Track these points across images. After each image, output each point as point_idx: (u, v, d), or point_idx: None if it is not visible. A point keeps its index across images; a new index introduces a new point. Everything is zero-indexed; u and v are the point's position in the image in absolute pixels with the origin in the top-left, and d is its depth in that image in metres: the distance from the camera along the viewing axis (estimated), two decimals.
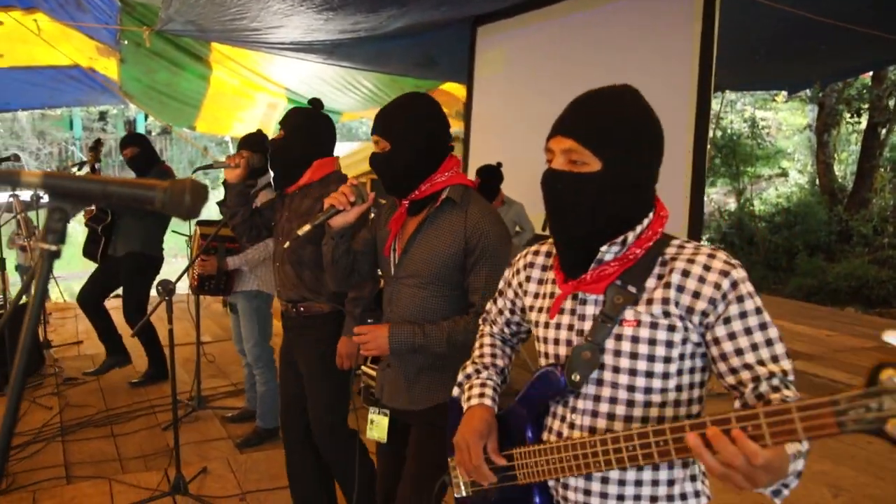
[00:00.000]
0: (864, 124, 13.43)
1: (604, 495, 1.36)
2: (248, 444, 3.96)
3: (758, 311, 1.26)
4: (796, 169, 16.44)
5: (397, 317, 2.12)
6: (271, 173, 3.57)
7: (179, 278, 3.21)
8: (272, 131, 10.50)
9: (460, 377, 1.65)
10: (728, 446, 1.04)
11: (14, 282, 9.94)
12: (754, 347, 1.24)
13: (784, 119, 17.56)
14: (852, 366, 5.55)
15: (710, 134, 13.92)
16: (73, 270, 12.02)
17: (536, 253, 1.57)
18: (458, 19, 7.04)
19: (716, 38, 4.61)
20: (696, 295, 1.27)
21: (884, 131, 13.21)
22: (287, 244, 2.25)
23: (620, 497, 1.35)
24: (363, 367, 4.51)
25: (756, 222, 14.12)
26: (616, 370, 1.33)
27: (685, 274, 1.28)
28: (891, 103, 12.60)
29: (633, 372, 1.32)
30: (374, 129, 2.08)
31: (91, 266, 4.98)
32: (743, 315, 1.25)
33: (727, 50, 4.94)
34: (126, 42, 7.49)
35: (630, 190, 1.34)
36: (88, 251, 4.89)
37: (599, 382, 1.35)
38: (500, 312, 1.67)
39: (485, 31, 7.22)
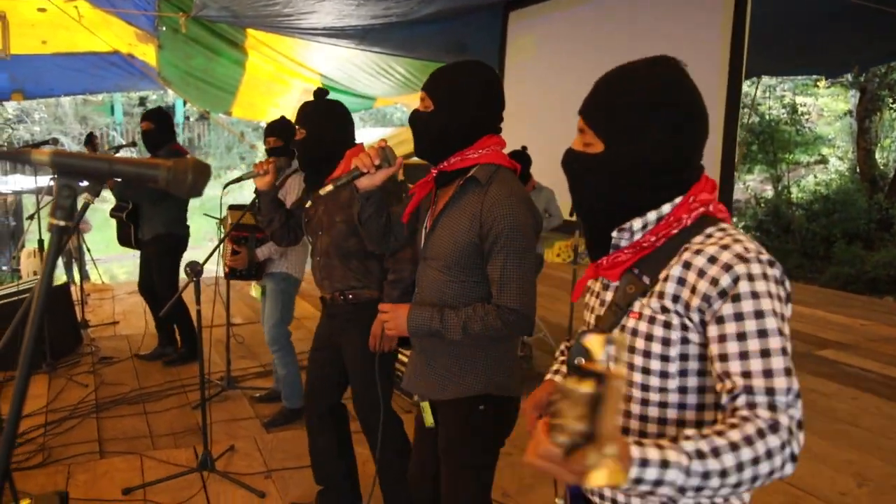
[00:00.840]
0: None
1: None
2: (274, 424, 4.04)
3: (758, 314, 1.10)
4: (836, 156, 16.10)
5: (421, 299, 2.06)
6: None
7: (207, 260, 3.28)
8: None
9: (557, 352, 1.63)
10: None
11: None
12: (743, 356, 1.10)
13: (825, 105, 17.17)
14: (885, 355, 5.45)
15: (748, 119, 13.73)
16: (111, 253, 12.32)
17: None
18: (490, 4, 7.03)
19: (748, 22, 4.55)
20: (693, 290, 1.17)
21: None
22: (320, 233, 2.25)
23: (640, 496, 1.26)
24: (400, 349, 4.54)
25: (793, 210, 13.87)
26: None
27: (687, 266, 1.18)
28: None
29: (630, 366, 1.25)
30: (425, 86, 1.98)
31: (129, 249, 5.12)
32: (738, 317, 1.11)
33: (761, 34, 4.86)
34: (164, 28, 7.62)
35: (635, 172, 1.25)
36: (122, 239, 5.02)
37: None
38: None
39: (516, 17, 7.19)
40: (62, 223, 0.96)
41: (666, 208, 1.25)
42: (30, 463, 3.52)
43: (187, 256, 4.24)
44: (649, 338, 1.22)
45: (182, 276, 3.94)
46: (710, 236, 1.21)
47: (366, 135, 11.96)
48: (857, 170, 14.46)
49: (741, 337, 1.11)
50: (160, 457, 3.61)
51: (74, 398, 4.40)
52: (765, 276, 1.12)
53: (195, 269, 3.23)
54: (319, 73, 9.36)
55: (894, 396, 4.57)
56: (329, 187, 1.94)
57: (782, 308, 1.14)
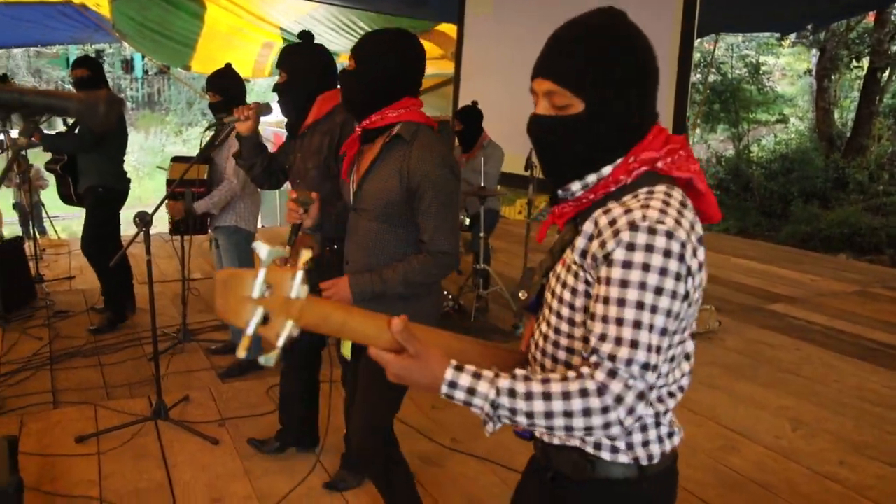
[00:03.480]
0: (865, 70, 13.28)
1: None
2: (230, 375, 4.08)
3: (623, 283, 1.11)
4: (797, 115, 16.32)
5: (355, 246, 2.21)
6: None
7: (156, 210, 3.27)
8: (268, 71, 10.44)
9: None
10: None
11: (11, 220, 10.03)
12: (603, 320, 1.13)
13: (787, 64, 17.36)
14: (831, 309, 5.64)
15: (710, 79, 13.81)
16: (69, 211, 12.12)
17: None
18: None
19: None
20: (586, 249, 1.20)
21: (884, 77, 13.07)
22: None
23: None
24: None
25: (753, 169, 14.09)
26: (546, 302, 1.34)
27: (595, 223, 1.20)
28: (893, 48, 12.42)
29: (549, 308, 1.31)
30: (352, 49, 2.15)
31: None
32: (608, 281, 1.13)
33: None
34: None
35: (618, 126, 1.24)
36: (61, 194, 4.93)
37: (543, 308, 1.36)
38: None
39: None
40: None
41: (606, 170, 1.25)
42: None
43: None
44: (564, 285, 1.26)
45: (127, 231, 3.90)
46: (635, 196, 1.20)
47: None
48: (816, 129, 14.68)
49: (605, 301, 1.13)
50: (114, 407, 3.64)
51: (28, 350, 4.39)
52: (647, 248, 1.11)
53: (144, 220, 3.23)
54: (279, 27, 9.20)
55: (835, 347, 4.75)
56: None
57: (661, 282, 1.11)
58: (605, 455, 1.27)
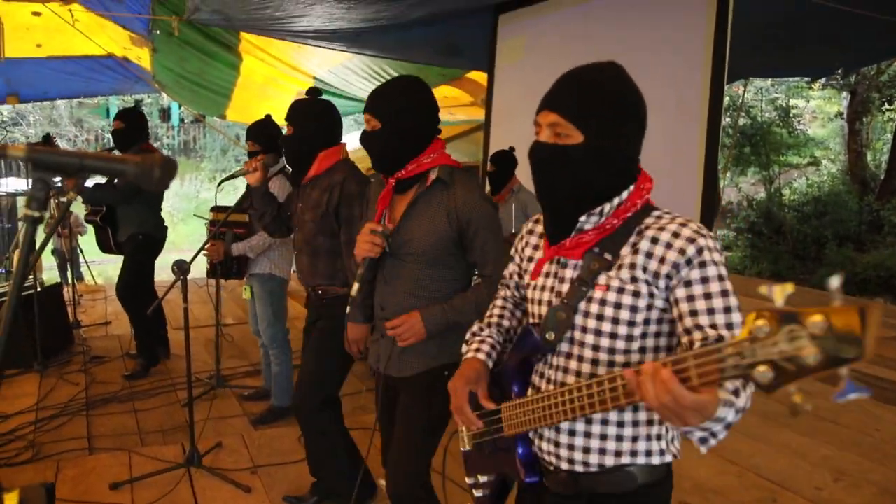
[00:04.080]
0: None
1: (570, 447, 1.45)
2: (262, 422, 4.09)
3: (720, 277, 1.30)
4: (828, 158, 16.18)
5: (392, 290, 2.21)
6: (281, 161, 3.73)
7: (194, 258, 3.34)
8: None
9: (467, 335, 1.75)
10: (658, 382, 1.09)
11: (49, 265, 10.26)
12: (710, 312, 1.28)
13: (818, 107, 17.27)
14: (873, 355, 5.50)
15: (740, 122, 13.80)
16: (106, 257, 12.35)
17: (537, 221, 1.67)
18: (480, 7, 7.09)
19: (730, 25, 4.60)
20: (662, 260, 1.34)
21: None
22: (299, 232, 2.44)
23: (586, 449, 1.44)
24: None
25: (785, 212, 13.94)
26: (584, 330, 1.42)
27: (654, 241, 1.35)
28: None
29: (598, 332, 1.40)
30: (366, 108, 2.18)
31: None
32: (704, 280, 1.30)
33: (744, 36, 4.92)
34: (158, 32, 7.66)
35: (611, 161, 1.40)
36: (100, 244, 5.06)
37: (572, 342, 1.44)
38: (511, 276, 1.76)
39: (506, 19, 7.24)
40: (35, 214, 1.02)
41: (625, 194, 1.42)
42: (18, 459, 3.57)
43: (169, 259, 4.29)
44: (618, 306, 1.38)
45: (159, 277, 3.97)
46: (660, 217, 1.40)
47: (358, 137, 12.03)
48: (848, 172, 14.52)
49: (707, 297, 1.29)
50: (148, 453, 3.66)
51: (65, 396, 4.45)
52: (717, 249, 1.34)
53: (182, 268, 3.29)
54: (313, 77, 9.41)
55: (876, 394, 4.63)
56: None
57: (727, 274, 1.34)
58: (641, 460, 1.42)
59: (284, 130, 2.94)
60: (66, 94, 11.42)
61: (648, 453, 1.43)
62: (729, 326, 1.27)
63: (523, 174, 5.46)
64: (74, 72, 8.96)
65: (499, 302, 1.79)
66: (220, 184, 3.47)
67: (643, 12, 5.35)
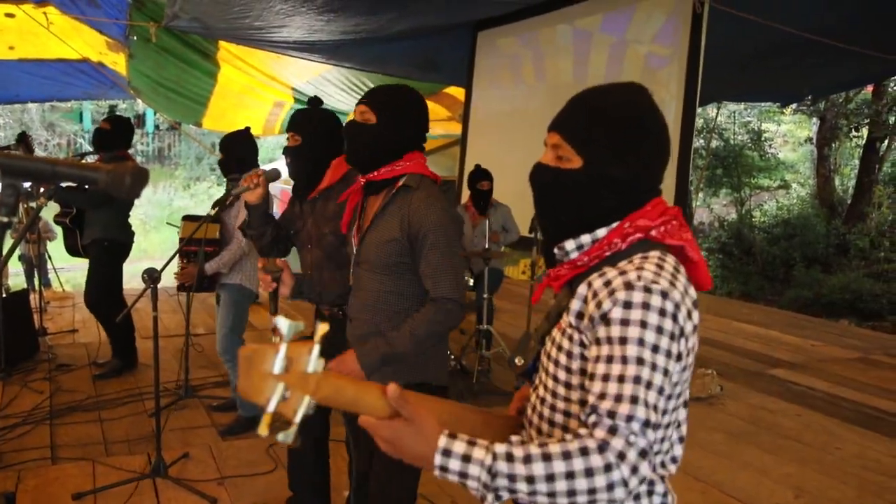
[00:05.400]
0: (864, 139, 13.50)
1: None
2: (230, 433, 4.06)
3: (622, 340, 1.12)
4: (798, 181, 16.50)
5: (359, 303, 2.18)
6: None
7: (164, 267, 3.31)
8: (278, 129, 10.63)
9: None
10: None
11: (16, 271, 10.10)
12: (604, 378, 1.12)
13: (789, 131, 17.61)
14: (833, 375, 5.61)
15: (713, 144, 14.02)
16: (76, 262, 12.19)
17: None
18: (459, 24, 7.16)
19: (702, 52, 4.71)
20: (582, 311, 1.23)
21: (883, 146, 13.27)
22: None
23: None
24: None
25: (755, 233, 14.17)
26: (542, 366, 1.36)
27: (588, 286, 1.24)
28: (890, 119, 12.64)
29: (546, 372, 1.33)
30: (364, 100, 2.14)
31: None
32: (608, 340, 1.14)
33: (716, 62, 5.04)
34: (135, 38, 7.62)
35: (609, 190, 1.29)
36: (68, 247, 4.99)
37: (539, 373, 1.39)
38: None
39: (485, 37, 7.33)
40: (4, 219, 1.02)
41: (601, 232, 1.29)
42: None
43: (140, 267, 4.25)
44: (560, 349, 1.28)
45: (132, 284, 3.93)
46: (630, 261, 1.23)
47: None
48: (817, 196, 14.83)
49: (607, 360, 1.13)
50: (113, 463, 3.61)
51: (28, 404, 4.38)
52: (644, 306, 1.13)
53: (153, 276, 3.27)
54: (291, 87, 9.42)
55: (837, 414, 4.72)
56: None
57: (658, 339, 1.12)
58: None
59: (287, 141, 2.76)
60: (39, 97, 11.29)
61: None
62: (618, 399, 1.09)
63: (501, 190, 5.51)
64: (48, 75, 8.85)
65: None
66: (215, 205, 3.18)
67: (620, 34, 5.45)
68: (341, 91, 9.19)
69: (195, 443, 3.93)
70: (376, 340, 2.05)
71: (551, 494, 1.05)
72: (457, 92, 8.94)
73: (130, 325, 5.04)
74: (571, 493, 1.05)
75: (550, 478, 1.05)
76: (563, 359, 1.27)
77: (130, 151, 5.06)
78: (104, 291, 4.82)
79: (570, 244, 1.31)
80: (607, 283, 1.19)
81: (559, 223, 1.34)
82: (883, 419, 4.65)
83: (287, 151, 2.78)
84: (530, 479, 1.05)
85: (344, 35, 7.00)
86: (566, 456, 1.05)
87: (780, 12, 5.12)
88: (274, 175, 2.85)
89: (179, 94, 9.24)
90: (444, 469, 1.08)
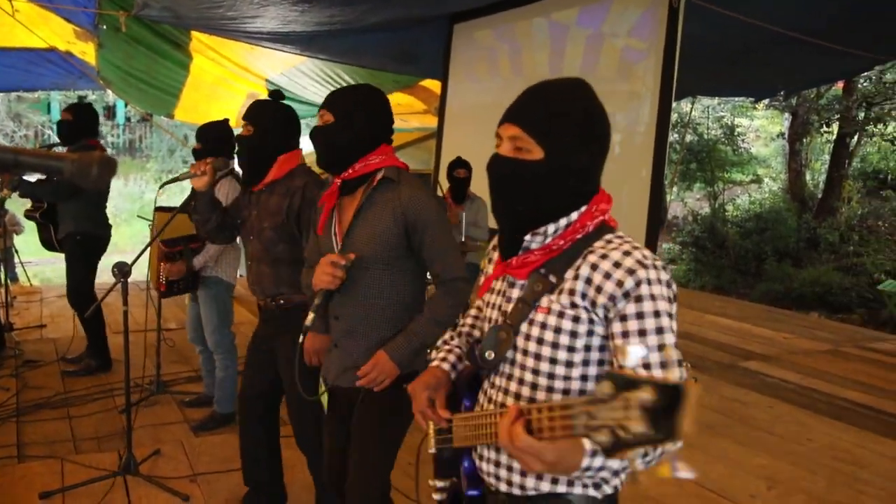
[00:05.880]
0: (834, 134, 13.68)
1: (509, 468, 1.42)
2: (203, 428, 4.00)
3: (656, 313, 1.25)
4: (770, 176, 16.69)
5: (346, 299, 2.16)
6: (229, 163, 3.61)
7: (135, 261, 3.25)
8: None
9: (438, 342, 1.74)
10: (503, 427, 1.15)
11: None
12: (644, 348, 1.24)
13: (761, 126, 17.81)
14: (804, 367, 5.69)
15: (687, 139, 14.14)
16: (44, 256, 11.97)
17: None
18: (435, 16, 7.11)
19: (678, 46, 4.71)
20: (599, 289, 1.29)
21: (853, 142, 13.46)
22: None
23: (523, 473, 1.40)
24: None
25: (728, 227, 14.32)
26: (525, 353, 1.39)
27: (594, 267, 1.31)
28: (860, 115, 12.82)
29: (537, 356, 1.36)
30: (324, 104, 2.17)
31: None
32: (640, 315, 1.26)
33: (692, 56, 5.05)
34: (104, 27, 7.46)
35: (568, 181, 1.36)
36: (43, 241, 4.89)
37: (513, 363, 1.41)
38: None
39: (461, 29, 7.29)
40: None
41: (574, 215, 1.38)
42: None
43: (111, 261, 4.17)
44: (558, 330, 1.34)
45: (104, 278, 3.86)
46: (609, 242, 1.34)
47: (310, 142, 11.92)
48: (788, 190, 15.01)
49: (642, 333, 1.25)
50: (82, 461, 3.54)
51: None
52: (659, 281, 1.27)
53: (123, 270, 3.20)
54: (265, 79, 9.30)
55: (809, 405, 4.78)
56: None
57: (671, 308, 1.29)
58: (578, 490, 1.37)
59: (240, 131, 2.79)
60: (4, 87, 11.07)
61: (585, 485, 1.38)
62: (662, 365, 1.23)
63: (477, 184, 5.48)
64: (13, 64, 8.66)
65: (472, 311, 1.75)
66: (162, 186, 3.28)
67: (597, 28, 5.44)
68: (315, 83, 9.10)
69: (167, 439, 3.88)
70: (402, 337, 2.10)
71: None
72: (433, 85, 8.89)
73: (101, 322, 4.93)
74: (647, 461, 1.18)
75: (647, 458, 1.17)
76: (563, 339, 1.34)
77: (102, 142, 4.94)
78: (85, 287, 4.73)
79: (551, 227, 1.37)
80: (617, 264, 1.28)
81: (517, 213, 1.40)
82: (853, 410, 4.72)
83: (238, 140, 2.77)
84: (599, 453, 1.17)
85: (318, 26, 6.92)
86: None
87: (757, 8, 5.15)
88: (223, 165, 2.84)
89: (151, 85, 9.09)
90: (586, 469, 1.19)
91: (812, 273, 11.74)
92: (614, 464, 1.17)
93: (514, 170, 1.37)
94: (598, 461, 1.17)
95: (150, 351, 4.69)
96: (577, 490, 1.37)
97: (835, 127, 13.57)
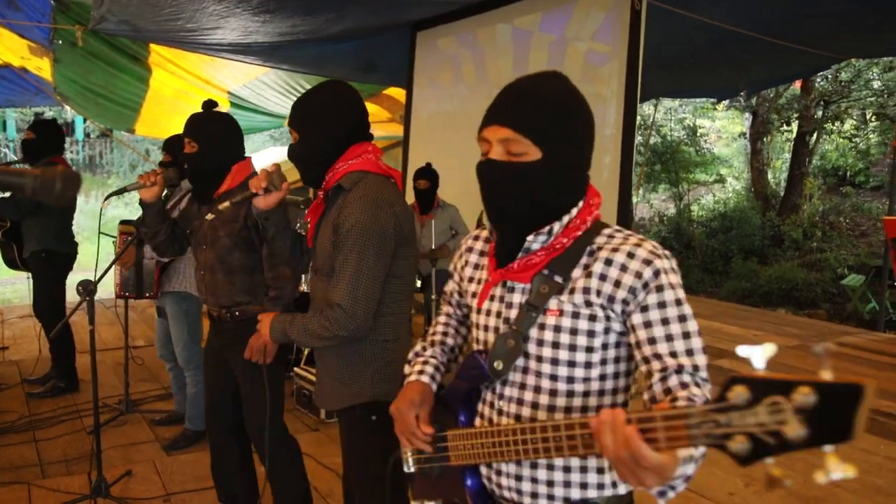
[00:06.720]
0: (794, 133, 13.95)
1: (534, 480, 1.35)
2: (175, 447, 3.92)
3: (678, 302, 1.24)
4: (733, 175, 16.95)
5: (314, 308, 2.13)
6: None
7: (101, 278, 3.17)
8: None
9: (410, 354, 1.64)
10: (619, 437, 1.01)
11: None
12: (669, 338, 1.23)
13: (722, 127, 18.07)
14: (773, 363, 5.73)
15: (651, 141, 14.31)
16: (9, 276, 11.69)
17: (476, 238, 1.57)
18: (398, 24, 7.10)
19: (642, 49, 4.76)
20: (617, 284, 1.26)
21: (812, 140, 13.74)
22: (210, 218, 2.32)
23: (550, 483, 1.34)
24: (295, 369, 4.52)
25: (694, 227, 14.50)
26: (539, 359, 1.32)
27: (608, 263, 1.28)
28: (818, 113, 13.09)
29: (554, 361, 1.31)
30: (288, 121, 2.11)
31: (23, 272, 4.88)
32: (661, 305, 1.24)
33: (655, 58, 5.11)
34: (60, 42, 7.32)
35: (569, 176, 1.33)
36: (7, 261, 4.78)
37: (525, 371, 1.35)
38: (451, 294, 1.66)
39: (424, 37, 7.29)
40: None
41: (574, 212, 1.35)
42: None
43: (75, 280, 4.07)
44: (574, 332, 1.30)
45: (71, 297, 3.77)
46: (612, 236, 1.33)
47: (275, 153, 11.81)
48: (751, 189, 15.26)
49: (665, 322, 1.24)
50: (50, 485, 3.45)
51: None
52: (674, 270, 1.28)
53: (88, 288, 3.12)
54: (227, 91, 9.20)
55: None
56: (226, 204, 2.08)
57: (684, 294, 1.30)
58: (608, 492, 1.34)
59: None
60: None
61: (614, 484, 1.35)
62: (689, 353, 1.22)
63: (445, 190, 5.47)
64: None
65: (442, 319, 1.68)
66: (107, 197, 3.15)
67: (560, 33, 5.47)
68: (278, 94, 9.02)
69: (138, 459, 3.79)
70: (289, 318, 2.06)
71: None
72: (397, 93, 8.87)
73: (71, 342, 4.80)
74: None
75: (698, 461, 1.13)
76: (581, 340, 1.30)
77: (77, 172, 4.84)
78: (46, 307, 4.62)
79: (556, 226, 1.33)
80: (631, 255, 1.27)
81: (519, 216, 1.34)
82: None
83: (185, 157, 2.69)
84: (694, 459, 1.10)
85: (281, 36, 6.87)
86: None
87: (717, 9, 5.23)
88: (173, 176, 2.77)
89: (109, 100, 8.94)
90: (670, 489, 1.13)
91: (777, 270, 11.93)
92: (689, 469, 1.09)
93: (513, 174, 1.30)
94: (691, 469, 1.09)
95: (118, 370, 4.58)
96: (607, 492, 1.34)
97: (794, 126, 13.85)
